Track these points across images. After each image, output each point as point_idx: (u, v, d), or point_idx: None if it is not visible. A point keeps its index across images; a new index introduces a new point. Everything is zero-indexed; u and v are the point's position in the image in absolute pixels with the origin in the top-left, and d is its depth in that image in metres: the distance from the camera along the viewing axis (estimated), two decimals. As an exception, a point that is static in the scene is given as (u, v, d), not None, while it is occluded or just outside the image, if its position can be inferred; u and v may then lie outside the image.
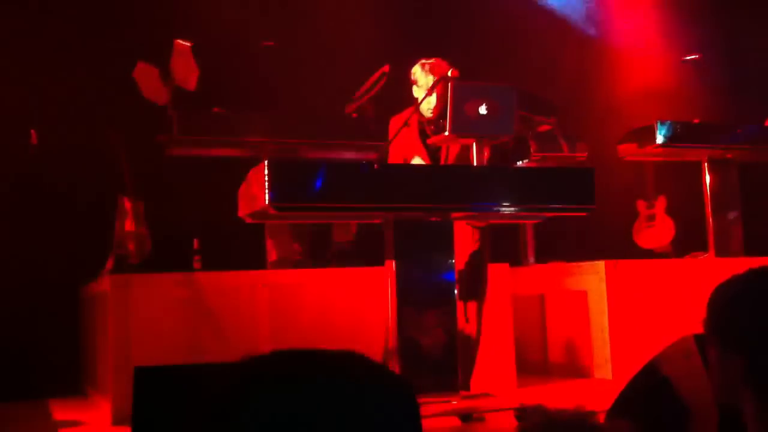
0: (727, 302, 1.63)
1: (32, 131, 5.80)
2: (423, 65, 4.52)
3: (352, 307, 5.17)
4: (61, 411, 5.33)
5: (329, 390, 0.85)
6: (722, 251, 6.39)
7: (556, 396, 5.14)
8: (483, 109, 4.16)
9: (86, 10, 6.53)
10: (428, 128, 4.51)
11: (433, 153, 4.48)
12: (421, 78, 4.49)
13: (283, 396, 0.85)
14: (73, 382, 6.16)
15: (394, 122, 4.52)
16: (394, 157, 4.49)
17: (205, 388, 0.91)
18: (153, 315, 4.90)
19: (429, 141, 4.46)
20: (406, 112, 4.50)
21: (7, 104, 6.10)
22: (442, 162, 4.45)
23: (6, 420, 5.02)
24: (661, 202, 7.45)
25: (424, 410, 4.00)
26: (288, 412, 0.83)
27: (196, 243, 5.51)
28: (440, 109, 4.41)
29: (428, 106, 4.50)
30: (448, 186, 4.00)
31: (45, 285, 6.14)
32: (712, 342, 1.65)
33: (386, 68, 5.34)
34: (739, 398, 1.58)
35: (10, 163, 6.14)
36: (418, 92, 4.52)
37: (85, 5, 6.56)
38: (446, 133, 4.19)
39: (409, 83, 4.59)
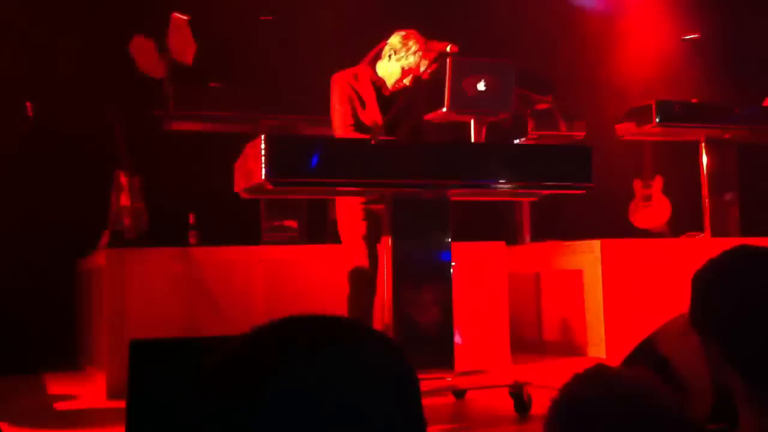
0: (701, 287, 1.62)
1: (28, 104, 5.77)
2: (406, 35, 4.42)
3: (345, 284, 5.17)
4: (55, 384, 5.35)
5: (346, 358, 0.86)
6: (718, 232, 6.39)
7: (551, 374, 5.16)
8: (481, 86, 4.14)
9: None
10: (384, 90, 4.44)
11: (385, 103, 4.40)
12: (401, 47, 4.39)
13: (300, 367, 0.85)
14: (69, 356, 6.17)
15: (338, 78, 4.43)
16: (342, 110, 4.39)
17: (212, 360, 0.91)
18: (148, 289, 4.91)
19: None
20: (351, 69, 4.44)
21: (2, 78, 6.06)
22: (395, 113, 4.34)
23: (1, 393, 5.03)
24: (657, 182, 7.45)
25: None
26: (304, 384, 0.83)
27: (191, 218, 5.51)
28: (401, 87, 4.37)
29: (391, 75, 4.41)
30: (444, 163, 3.99)
31: (41, 259, 6.14)
32: (695, 328, 1.64)
33: (383, 44, 5.30)
34: (729, 380, 1.57)
35: (6, 137, 6.10)
36: (395, 61, 4.41)
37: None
38: (444, 110, 4.17)
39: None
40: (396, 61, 4.38)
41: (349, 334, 0.90)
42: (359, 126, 4.33)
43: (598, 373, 1.27)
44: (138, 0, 6.39)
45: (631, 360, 2.07)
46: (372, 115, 4.35)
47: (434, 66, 4.33)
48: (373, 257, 4.23)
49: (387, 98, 4.41)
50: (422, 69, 4.35)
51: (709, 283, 1.60)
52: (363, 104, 4.38)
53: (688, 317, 1.99)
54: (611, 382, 1.25)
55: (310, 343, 0.87)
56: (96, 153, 5.99)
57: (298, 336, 0.88)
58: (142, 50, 5.75)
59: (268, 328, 0.90)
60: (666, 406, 1.22)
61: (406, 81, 4.38)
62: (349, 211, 4.35)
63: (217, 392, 0.86)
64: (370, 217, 4.27)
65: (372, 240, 4.23)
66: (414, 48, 4.36)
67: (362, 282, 4.27)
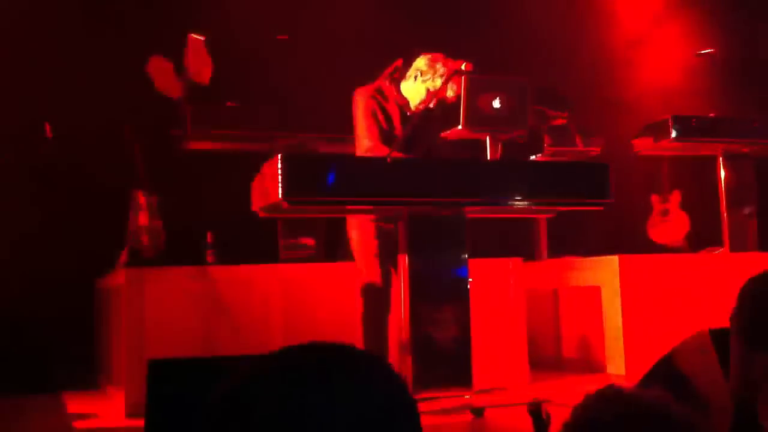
0: (756, 298, 1.60)
1: (47, 125, 5.83)
2: (433, 58, 4.46)
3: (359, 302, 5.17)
4: (75, 403, 5.36)
5: (337, 386, 0.85)
6: (737, 246, 6.35)
7: (570, 391, 5.13)
8: (497, 103, 4.15)
9: (101, 3, 6.55)
10: (407, 108, 4.46)
11: (403, 116, 4.42)
12: (429, 70, 4.42)
13: (288, 391, 0.85)
14: (87, 375, 6.19)
15: (362, 91, 4.46)
16: (368, 122, 4.40)
17: (216, 384, 0.91)
18: (167, 308, 4.92)
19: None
20: (373, 85, 4.47)
21: (22, 98, 6.13)
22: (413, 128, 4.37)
23: (21, 412, 5.06)
24: (675, 197, 7.41)
25: (437, 405, 4.01)
26: (293, 408, 0.83)
27: (209, 236, 5.53)
28: (429, 103, 4.39)
29: (415, 96, 4.44)
30: (461, 180, 3.99)
31: (60, 278, 6.17)
32: (739, 337, 1.62)
33: (399, 62, 5.33)
34: (759, 397, 1.56)
35: (26, 157, 6.16)
36: (421, 83, 4.44)
37: (100, -1, 6.58)
38: (459, 127, 4.18)
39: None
40: (422, 82, 4.41)
41: (351, 365, 0.90)
42: (386, 138, 4.32)
43: (611, 393, 1.27)
44: (155, 21, 6.45)
45: (650, 378, 2.06)
46: (393, 132, 4.37)
47: (450, 64, 4.36)
48: (386, 275, 4.23)
49: (408, 118, 4.43)
50: (449, 94, 4.37)
51: (762, 294, 1.58)
52: (388, 119, 4.40)
53: (707, 334, 1.98)
54: (625, 402, 1.24)
55: (311, 375, 0.87)
56: (114, 172, 6.03)
57: (299, 367, 0.89)
58: (160, 70, 5.80)
59: (273, 357, 0.91)
60: (682, 425, 1.22)
61: (431, 104, 4.39)
62: (361, 229, 4.36)
63: (216, 421, 0.88)
64: (382, 235, 4.28)
65: (384, 258, 4.23)
66: (441, 71, 4.38)
67: (375, 300, 4.27)
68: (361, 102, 4.40)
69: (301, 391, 0.85)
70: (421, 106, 4.42)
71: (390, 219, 4.13)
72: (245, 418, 0.85)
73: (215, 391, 0.91)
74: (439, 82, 4.36)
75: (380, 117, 4.37)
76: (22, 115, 6.11)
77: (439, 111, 4.40)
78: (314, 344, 0.92)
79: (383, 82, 4.51)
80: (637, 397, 1.27)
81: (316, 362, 0.89)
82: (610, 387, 1.30)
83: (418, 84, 4.41)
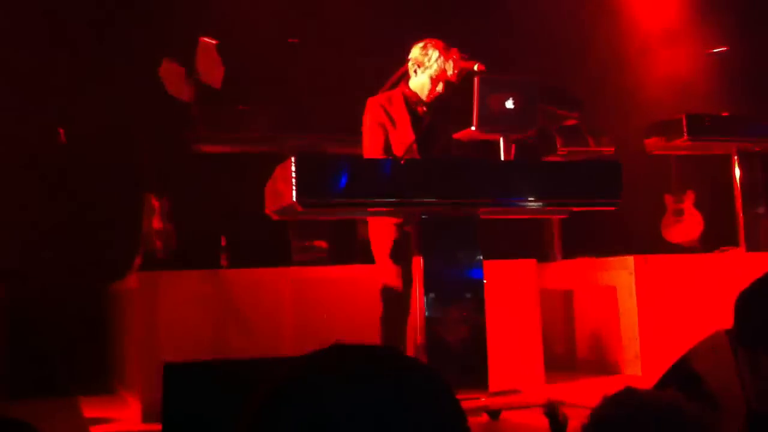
0: (755, 305, 1.59)
1: (60, 130, 5.85)
2: (425, 45, 4.44)
3: (378, 304, 5.16)
4: (89, 408, 5.37)
5: (369, 389, 0.84)
6: (752, 246, 6.31)
7: (586, 392, 5.11)
8: (509, 103, 4.13)
9: (112, 8, 6.57)
10: (419, 108, 4.46)
11: (415, 118, 4.42)
12: (423, 58, 4.41)
13: (320, 396, 0.84)
14: (101, 378, 6.21)
15: (372, 102, 4.46)
16: (372, 134, 4.42)
17: (245, 386, 0.91)
18: (180, 311, 4.93)
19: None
20: (387, 93, 4.47)
21: (35, 104, 6.16)
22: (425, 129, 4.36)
23: (38, 417, 5.06)
24: (689, 197, 7.37)
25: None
26: (324, 412, 0.82)
27: (223, 240, 5.53)
28: (437, 95, 4.38)
29: (423, 88, 4.43)
30: (474, 181, 3.98)
31: (73, 282, 6.19)
32: (742, 344, 1.61)
33: (406, 67, 5.32)
34: None
35: (39, 162, 6.19)
36: (421, 73, 4.43)
37: (111, 3, 6.60)
38: (472, 128, 4.16)
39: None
40: (423, 73, 4.40)
41: (396, 365, 0.89)
42: (388, 153, 4.35)
43: (628, 395, 1.26)
44: (167, 24, 6.47)
45: (667, 379, 2.05)
46: (405, 136, 4.36)
47: (462, 64, 4.34)
48: (407, 277, 4.22)
49: (421, 118, 4.43)
50: (449, 72, 4.36)
51: (764, 300, 1.57)
52: (395, 125, 4.40)
53: (723, 335, 1.96)
54: (641, 404, 1.24)
55: (357, 375, 0.86)
56: (127, 176, 6.05)
57: (343, 367, 0.88)
58: (172, 74, 5.82)
59: (315, 358, 0.89)
60: (696, 427, 1.21)
61: (439, 88, 4.39)
62: (382, 231, 4.35)
63: (258, 420, 0.86)
64: (403, 237, 4.27)
65: (404, 260, 4.23)
66: (435, 55, 4.38)
67: (395, 302, 4.26)
68: (369, 114, 4.43)
69: (330, 397, 0.84)
70: (432, 96, 4.42)
71: (409, 221, 4.13)
72: (291, 420, 0.84)
73: (258, 393, 0.89)
74: (436, 66, 4.36)
75: (388, 126, 4.38)
76: (35, 119, 6.14)
77: (449, 93, 4.38)
78: (351, 345, 0.91)
79: (393, 90, 4.51)
80: (653, 400, 1.26)
81: (357, 363, 0.88)
82: (627, 389, 1.30)
83: (420, 76, 4.42)
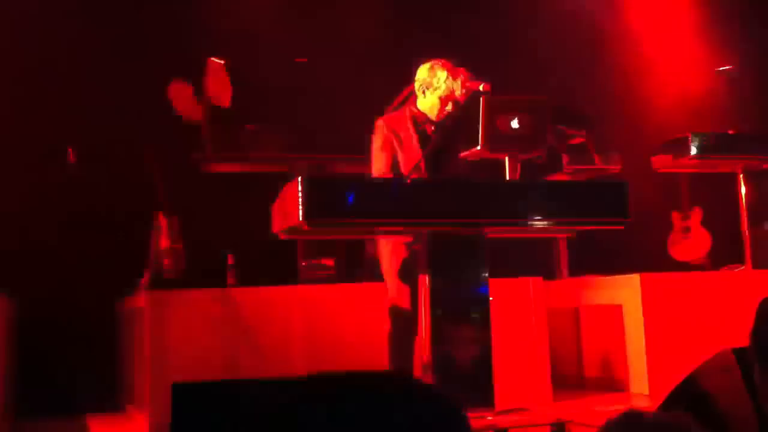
0: None
1: (69, 149, 5.89)
2: (432, 66, 4.48)
3: (386, 321, 5.17)
4: (98, 426, 5.38)
5: (373, 410, 0.86)
6: (760, 263, 6.31)
7: (593, 411, 5.10)
8: (515, 123, 4.16)
9: (121, 29, 6.63)
10: (428, 127, 4.49)
11: (423, 137, 4.44)
12: (431, 79, 4.44)
13: (329, 416, 0.85)
14: (110, 397, 6.22)
15: (381, 124, 4.49)
16: (380, 154, 4.44)
17: (251, 406, 0.92)
18: (189, 330, 4.95)
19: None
20: (396, 113, 4.51)
21: (45, 122, 6.21)
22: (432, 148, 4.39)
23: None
24: (696, 214, 7.38)
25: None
26: None
27: (230, 258, 5.55)
28: (446, 114, 4.41)
29: (432, 108, 4.47)
30: (480, 200, 4.00)
31: (82, 301, 6.21)
32: (759, 359, 1.62)
33: (412, 87, 5.35)
34: None
35: (48, 181, 6.23)
36: (430, 94, 4.46)
37: (121, 24, 6.66)
38: (478, 148, 4.19)
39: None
40: (432, 93, 4.43)
41: (407, 392, 0.90)
42: (396, 172, 4.38)
43: (632, 417, 1.27)
44: (176, 45, 6.53)
45: (673, 397, 2.06)
46: (413, 156, 4.39)
47: (468, 84, 4.37)
48: (415, 295, 4.24)
49: (429, 138, 4.46)
50: (458, 93, 4.39)
51: None
52: (403, 145, 4.43)
53: (730, 353, 1.97)
54: (646, 426, 1.24)
55: (368, 402, 0.87)
56: (136, 195, 6.08)
57: (350, 392, 0.89)
58: (180, 94, 5.86)
59: (318, 381, 0.91)
60: None
61: (448, 108, 4.43)
62: (391, 250, 4.37)
63: None
64: (412, 256, 4.29)
65: (413, 279, 4.24)
66: (443, 76, 4.41)
67: (403, 320, 4.27)
68: (378, 135, 4.47)
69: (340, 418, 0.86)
70: (441, 116, 4.45)
71: (417, 241, 4.15)
72: None
73: (257, 413, 0.91)
74: (444, 86, 4.39)
75: (396, 147, 4.41)
76: (45, 138, 6.18)
77: (458, 112, 4.41)
78: (364, 372, 0.93)
79: (400, 110, 4.54)
80: (658, 421, 1.27)
81: (351, 389, 0.90)
82: (631, 411, 1.31)
83: (429, 96, 4.45)
